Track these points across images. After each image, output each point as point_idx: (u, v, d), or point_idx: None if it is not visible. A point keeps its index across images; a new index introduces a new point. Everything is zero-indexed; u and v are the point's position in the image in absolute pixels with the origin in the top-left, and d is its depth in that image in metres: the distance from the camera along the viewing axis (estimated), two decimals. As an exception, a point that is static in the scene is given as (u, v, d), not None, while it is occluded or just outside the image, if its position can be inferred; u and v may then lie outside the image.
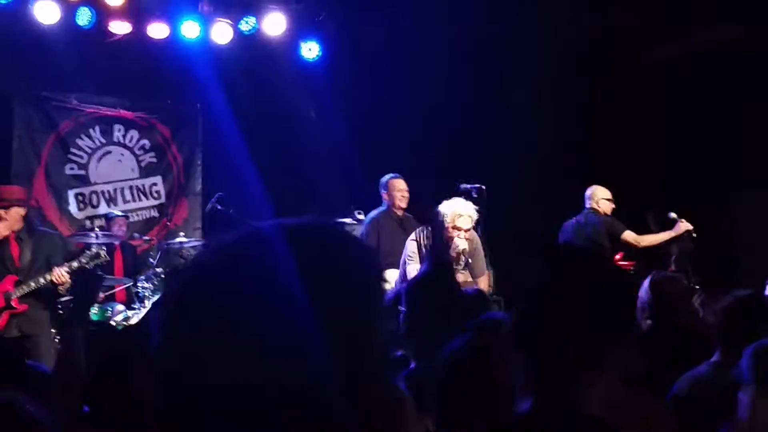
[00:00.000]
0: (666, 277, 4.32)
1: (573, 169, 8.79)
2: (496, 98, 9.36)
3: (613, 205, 7.89)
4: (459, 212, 6.01)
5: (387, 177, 7.41)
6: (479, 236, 6.58)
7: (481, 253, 6.35)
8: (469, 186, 7.01)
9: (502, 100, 9.42)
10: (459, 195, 6.82)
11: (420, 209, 7.31)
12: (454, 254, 5.97)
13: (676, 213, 7.80)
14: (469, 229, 6.03)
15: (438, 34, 8.81)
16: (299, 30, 8.82)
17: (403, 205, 7.27)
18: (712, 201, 8.85)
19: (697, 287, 6.94)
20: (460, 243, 5.98)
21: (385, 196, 7.37)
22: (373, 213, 7.40)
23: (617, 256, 7.98)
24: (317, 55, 8.87)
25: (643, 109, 9.16)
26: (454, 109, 9.19)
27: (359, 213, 7.94)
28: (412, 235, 6.47)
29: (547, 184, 8.85)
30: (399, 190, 7.30)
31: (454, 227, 5.96)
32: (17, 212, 6.27)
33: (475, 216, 6.13)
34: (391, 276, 6.33)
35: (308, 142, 9.47)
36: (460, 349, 2.27)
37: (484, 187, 6.95)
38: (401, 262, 6.38)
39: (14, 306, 6.17)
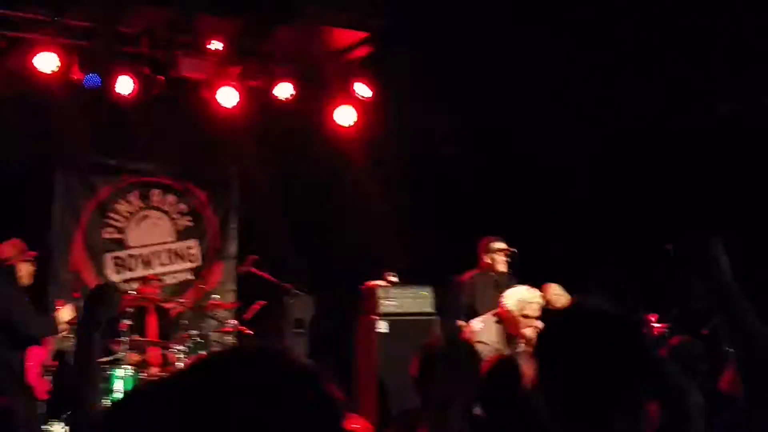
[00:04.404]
0: None
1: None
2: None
3: None
4: (527, 300, 5.57)
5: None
6: None
7: None
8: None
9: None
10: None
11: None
12: (527, 347, 5.45)
13: None
14: (539, 317, 5.51)
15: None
16: (334, 95, 8.92)
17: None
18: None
19: None
20: (529, 333, 5.45)
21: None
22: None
23: (652, 318, 7.77)
24: (352, 121, 8.93)
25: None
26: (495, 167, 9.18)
27: (393, 276, 7.91)
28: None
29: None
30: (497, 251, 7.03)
31: (524, 316, 5.52)
32: None
33: (543, 303, 5.68)
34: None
35: (343, 205, 9.52)
36: None
37: (516, 249, 6.92)
38: None
39: None
